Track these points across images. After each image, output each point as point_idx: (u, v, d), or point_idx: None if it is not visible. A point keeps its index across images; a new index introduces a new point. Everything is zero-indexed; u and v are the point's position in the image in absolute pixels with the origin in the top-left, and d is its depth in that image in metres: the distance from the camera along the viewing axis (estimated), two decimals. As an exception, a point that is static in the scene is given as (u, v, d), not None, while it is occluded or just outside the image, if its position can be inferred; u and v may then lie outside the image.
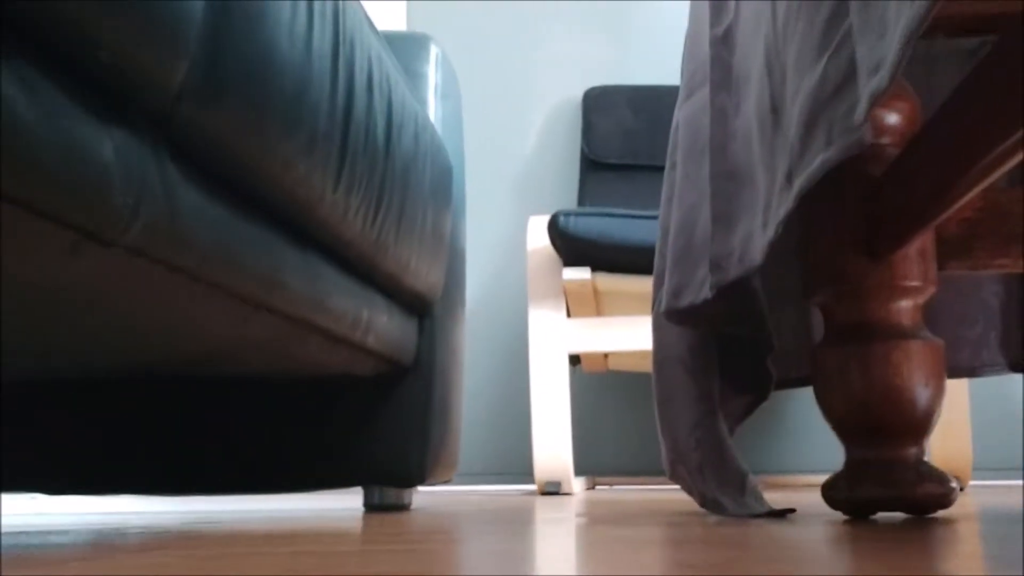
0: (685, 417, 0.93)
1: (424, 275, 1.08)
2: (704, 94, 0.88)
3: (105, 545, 0.68)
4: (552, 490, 1.66)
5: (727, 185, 0.76)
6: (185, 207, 0.59)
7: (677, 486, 0.94)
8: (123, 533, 0.81)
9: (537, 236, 1.74)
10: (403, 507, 1.21)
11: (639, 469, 2.18)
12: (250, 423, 1.15)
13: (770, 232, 0.64)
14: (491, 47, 2.41)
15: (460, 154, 1.32)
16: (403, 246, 0.97)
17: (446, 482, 1.29)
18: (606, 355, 1.94)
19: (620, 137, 2.20)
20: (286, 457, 1.14)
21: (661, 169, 2.30)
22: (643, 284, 1.63)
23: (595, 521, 0.81)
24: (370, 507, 1.19)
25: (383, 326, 1.01)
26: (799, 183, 0.58)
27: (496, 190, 2.33)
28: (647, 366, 2.01)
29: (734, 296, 0.94)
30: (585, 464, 2.15)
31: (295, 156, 0.68)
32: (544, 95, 2.38)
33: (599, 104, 2.24)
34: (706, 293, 0.79)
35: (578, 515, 0.94)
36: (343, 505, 1.39)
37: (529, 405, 2.06)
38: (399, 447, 1.14)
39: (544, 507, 1.20)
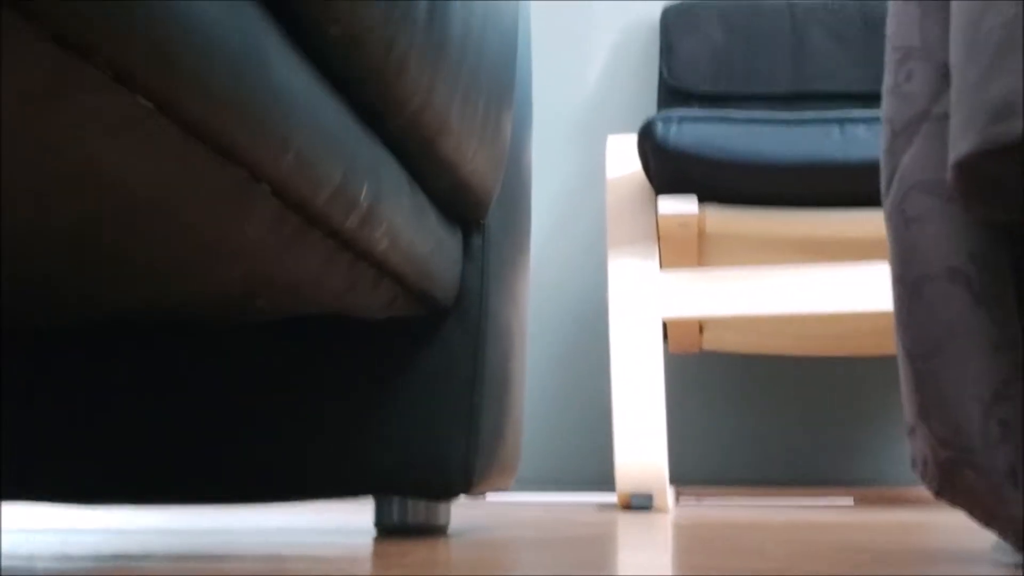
0: (974, 381, 0.49)
1: (470, 152, 0.65)
2: None
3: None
4: (641, 504, 1.22)
5: None
6: None
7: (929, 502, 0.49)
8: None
9: (620, 160, 1.29)
10: (436, 530, 0.78)
11: (735, 479, 1.74)
12: (212, 401, 0.73)
13: None
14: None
15: (527, 30, 0.89)
16: (437, 76, 0.54)
17: (501, 491, 0.86)
18: (701, 329, 1.49)
19: (709, 61, 1.76)
20: (264, 451, 0.72)
21: (762, 99, 1.88)
22: (772, 222, 1.18)
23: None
24: (385, 528, 0.76)
25: (402, 219, 0.57)
26: None
27: (557, 125, 1.91)
28: (755, 345, 1.57)
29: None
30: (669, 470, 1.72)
31: None
32: (614, 13, 1.95)
33: (682, 22, 1.81)
34: None
35: (698, 559, 0.51)
36: (347, 524, 0.97)
37: (608, 389, 1.63)
38: (433, 438, 0.71)
39: (633, 533, 0.80)
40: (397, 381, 0.72)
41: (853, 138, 1.12)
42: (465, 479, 0.71)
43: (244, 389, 0.73)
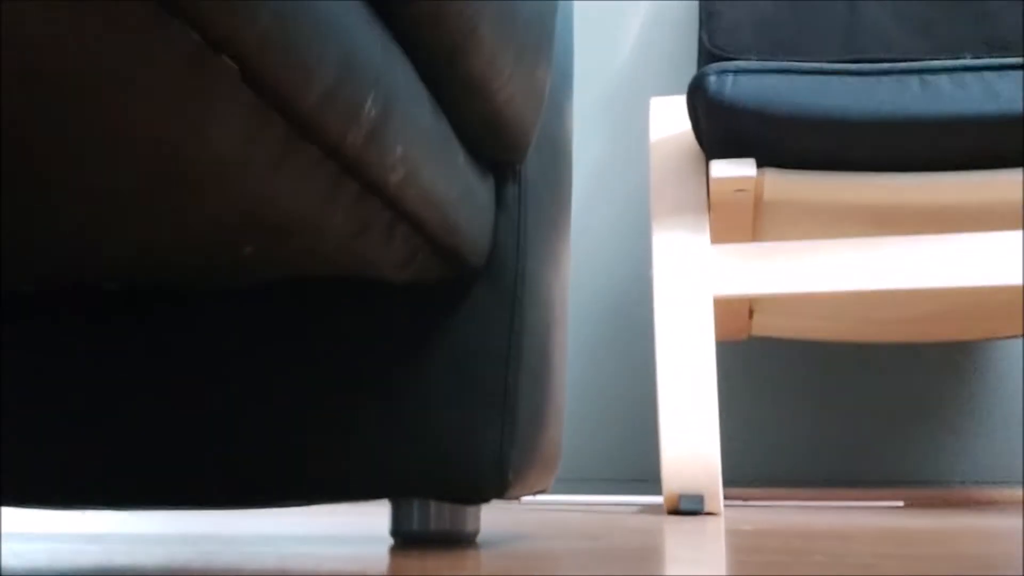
0: None
1: (505, 75, 0.53)
2: None
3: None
4: (691, 507, 1.09)
5: None
6: None
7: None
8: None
9: (665, 122, 1.17)
10: (462, 538, 0.66)
11: (775, 479, 1.61)
12: (204, 391, 0.61)
13: None
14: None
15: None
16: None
17: (541, 492, 0.74)
18: (751, 312, 1.36)
19: (754, 26, 1.64)
20: (264, 447, 0.61)
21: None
22: (840, 187, 1.05)
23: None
24: (403, 536, 0.65)
25: (421, 147, 0.45)
26: None
27: (592, 92, 1.80)
28: (809, 330, 1.43)
29: None
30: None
31: None
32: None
33: (725, -13, 1.68)
34: None
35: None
36: (361, 531, 0.85)
37: (653, 377, 1.52)
38: (460, 428, 0.60)
39: (689, 543, 0.67)
40: (417, 360, 0.60)
41: (935, 91, 0.99)
42: (499, 478, 0.59)
43: (242, 374, 0.62)
